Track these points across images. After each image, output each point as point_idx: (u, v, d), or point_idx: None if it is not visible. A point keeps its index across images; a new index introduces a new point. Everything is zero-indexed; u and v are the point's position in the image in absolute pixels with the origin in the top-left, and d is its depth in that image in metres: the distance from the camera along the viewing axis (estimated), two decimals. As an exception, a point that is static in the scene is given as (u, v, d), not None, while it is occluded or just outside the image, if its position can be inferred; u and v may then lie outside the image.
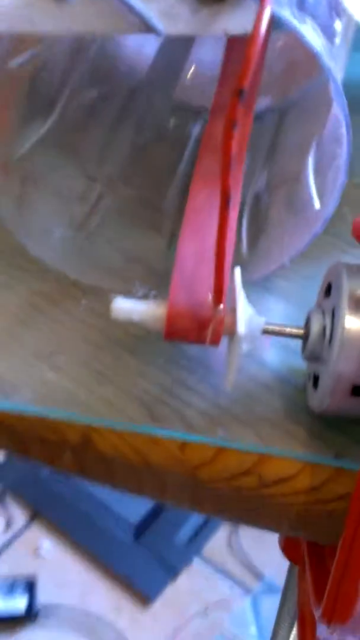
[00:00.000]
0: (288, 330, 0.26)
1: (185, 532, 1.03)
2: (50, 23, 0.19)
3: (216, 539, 1.02)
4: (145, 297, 0.27)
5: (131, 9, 0.19)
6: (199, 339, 0.26)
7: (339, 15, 0.28)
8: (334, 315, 0.25)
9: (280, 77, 0.39)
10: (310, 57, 0.39)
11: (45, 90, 0.32)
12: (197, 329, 0.25)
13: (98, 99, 0.36)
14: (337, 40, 0.28)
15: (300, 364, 0.28)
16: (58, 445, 0.28)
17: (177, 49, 0.43)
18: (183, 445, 0.27)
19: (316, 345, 0.26)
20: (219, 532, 1.02)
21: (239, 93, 0.21)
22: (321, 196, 0.29)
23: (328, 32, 0.27)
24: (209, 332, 0.25)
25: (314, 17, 0.26)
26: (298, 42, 0.40)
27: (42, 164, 0.32)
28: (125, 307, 0.26)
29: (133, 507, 1.03)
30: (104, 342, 0.29)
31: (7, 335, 0.29)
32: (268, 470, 0.26)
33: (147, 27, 0.20)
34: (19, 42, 0.27)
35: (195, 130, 0.40)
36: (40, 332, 0.29)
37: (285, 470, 0.26)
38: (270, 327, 0.26)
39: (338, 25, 0.28)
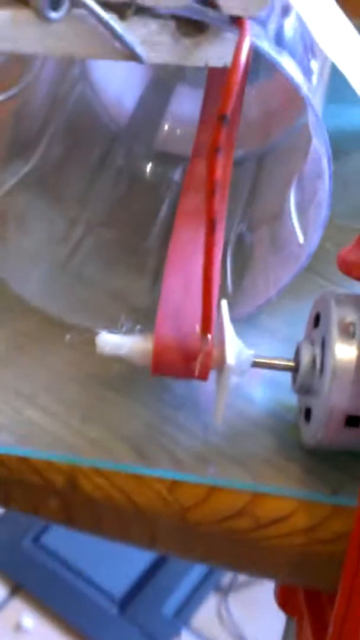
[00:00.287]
0: (277, 362, 0.26)
1: (172, 602, 0.99)
2: (33, 43, 0.19)
3: (205, 609, 0.98)
4: (130, 332, 0.26)
5: (114, 34, 0.19)
6: (187, 373, 0.25)
7: (314, 55, 0.29)
8: (323, 345, 0.25)
9: (257, 127, 0.39)
10: (286, 105, 0.40)
11: (26, 132, 0.32)
12: (185, 361, 0.25)
13: (78, 146, 0.36)
14: (314, 79, 0.29)
15: (290, 399, 0.27)
16: (43, 490, 0.27)
17: (155, 102, 0.44)
18: (172, 486, 0.26)
19: (307, 376, 0.25)
20: (208, 602, 0.98)
21: (222, 118, 0.21)
22: (305, 231, 0.29)
23: (305, 71, 0.27)
24: (197, 365, 0.24)
25: (291, 54, 0.26)
26: (273, 89, 0.41)
27: (23, 203, 0.31)
28: (110, 341, 0.25)
29: (118, 579, 0.99)
30: (89, 381, 0.28)
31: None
32: (262, 509, 0.25)
33: (130, 54, 0.20)
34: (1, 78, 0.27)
35: (176, 175, 0.40)
36: (23, 372, 0.28)
37: (280, 509, 0.25)
38: (260, 360, 0.26)
39: (314, 65, 0.29)
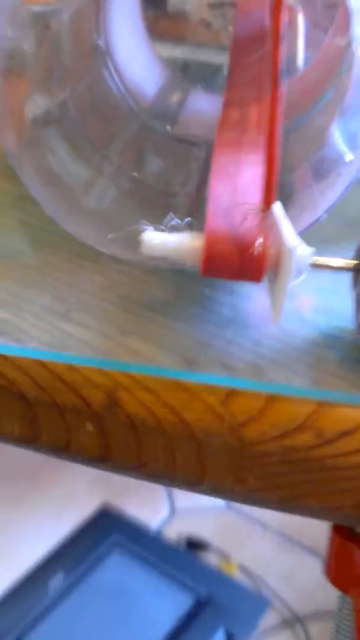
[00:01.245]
0: (338, 262, 0.24)
1: None
2: None
3: None
4: (177, 229, 0.24)
5: None
6: (242, 268, 0.23)
7: None
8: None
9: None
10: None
11: (59, 64, 0.31)
12: (240, 253, 0.22)
13: (100, 105, 0.35)
14: None
15: (346, 323, 0.25)
16: (78, 412, 0.24)
17: (172, 98, 0.44)
18: (226, 399, 0.23)
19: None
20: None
21: None
22: (352, 147, 0.27)
23: None
24: (254, 253, 0.22)
25: None
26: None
27: (52, 140, 0.30)
28: (157, 240, 0.23)
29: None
30: (125, 302, 0.26)
31: (16, 296, 0.26)
32: (327, 422, 0.22)
33: None
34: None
35: (198, 154, 0.39)
36: (54, 294, 0.26)
37: (346, 421, 0.22)
38: (319, 259, 0.24)
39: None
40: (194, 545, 1.08)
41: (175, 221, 0.23)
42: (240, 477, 0.24)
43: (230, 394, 0.23)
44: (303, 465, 0.23)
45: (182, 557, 1.05)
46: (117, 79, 0.38)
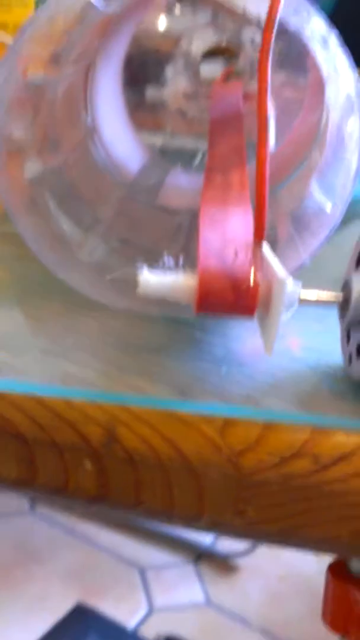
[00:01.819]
0: (325, 296, 0.25)
1: None
2: None
3: None
4: (172, 269, 0.25)
5: None
6: (235, 304, 0.24)
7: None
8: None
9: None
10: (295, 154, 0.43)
11: (52, 133, 0.33)
12: (233, 290, 0.23)
13: (89, 172, 0.37)
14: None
15: (333, 359, 0.26)
16: (77, 450, 0.24)
17: (154, 175, 0.46)
18: (223, 428, 0.23)
19: (359, 307, 0.24)
20: None
21: (270, 29, 0.22)
22: (331, 199, 0.29)
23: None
24: (247, 289, 0.23)
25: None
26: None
27: (46, 198, 0.31)
28: (153, 280, 0.24)
29: None
30: (120, 344, 0.27)
31: (13, 339, 0.26)
32: (322, 448, 0.23)
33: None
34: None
35: (183, 221, 0.41)
36: (50, 338, 0.27)
37: (342, 446, 0.23)
38: (307, 294, 0.25)
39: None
40: (174, 644, 1.04)
41: (170, 262, 0.24)
42: (240, 509, 0.24)
43: (227, 424, 0.23)
44: (302, 493, 0.23)
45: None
46: (103, 155, 0.40)
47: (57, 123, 0.34)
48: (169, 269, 0.24)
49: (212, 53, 0.55)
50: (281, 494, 0.23)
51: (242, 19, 0.26)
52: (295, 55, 0.38)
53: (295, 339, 0.27)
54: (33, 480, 0.25)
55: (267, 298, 0.24)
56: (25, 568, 1.18)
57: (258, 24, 0.25)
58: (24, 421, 0.24)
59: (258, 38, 0.52)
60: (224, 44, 0.54)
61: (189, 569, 1.21)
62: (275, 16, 0.21)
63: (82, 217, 0.35)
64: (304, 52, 0.41)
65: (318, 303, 0.25)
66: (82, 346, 0.26)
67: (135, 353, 0.26)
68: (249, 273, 0.23)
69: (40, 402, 0.24)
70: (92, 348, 0.26)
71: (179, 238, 0.38)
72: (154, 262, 0.33)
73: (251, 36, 0.52)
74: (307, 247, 0.29)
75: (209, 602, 1.15)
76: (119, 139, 0.43)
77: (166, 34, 0.53)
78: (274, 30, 0.22)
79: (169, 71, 0.54)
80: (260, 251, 0.24)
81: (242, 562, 1.22)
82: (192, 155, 0.50)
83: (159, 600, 1.15)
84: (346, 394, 0.24)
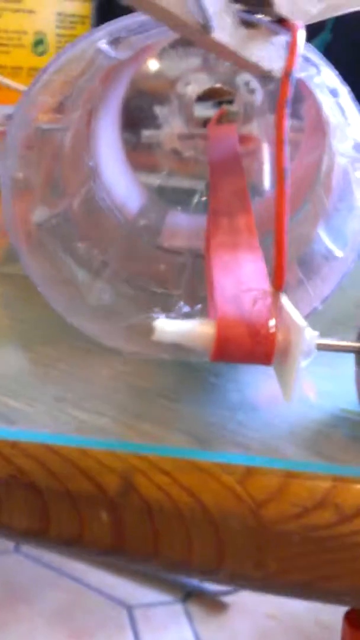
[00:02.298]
0: (342, 344, 0.25)
1: None
2: None
3: None
4: (188, 316, 0.25)
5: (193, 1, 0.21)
6: (253, 352, 0.24)
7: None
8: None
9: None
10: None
11: (60, 177, 0.33)
12: (251, 338, 0.23)
13: (93, 214, 0.37)
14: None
15: (351, 405, 0.26)
16: (92, 500, 0.23)
17: (153, 215, 0.46)
18: (243, 478, 0.23)
19: (376, 354, 0.24)
20: None
21: (288, 74, 0.22)
22: (341, 244, 0.29)
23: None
24: (265, 336, 0.23)
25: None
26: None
27: (51, 244, 0.31)
28: (169, 327, 0.24)
29: None
30: (134, 390, 0.26)
31: (25, 387, 0.26)
32: (345, 498, 0.23)
33: (202, 20, 0.22)
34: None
35: (186, 261, 0.41)
36: (62, 385, 0.26)
37: (364, 496, 0.23)
38: (324, 342, 0.25)
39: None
40: None
41: (186, 309, 0.24)
42: (260, 561, 0.23)
43: (247, 473, 0.23)
44: (324, 545, 0.23)
45: None
46: (105, 196, 0.40)
47: (63, 168, 0.34)
48: (184, 315, 0.24)
49: (206, 96, 0.56)
50: (303, 545, 0.23)
51: (254, 73, 0.26)
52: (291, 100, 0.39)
53: (309, 384, 0.27)
54: (46, 532, 0.24)
55: (285, 346, 0.24)
56: (10, 608, 1.15)
57: (270, 77, 0.25)
58: (37, 470, 0.24)
59: (253, 82, 0.53)
60: (218, 87, 0.55)
61: (177, 608, 1.19)
62: (291, 72, 0.22)
63: (88, 260, 0.35)
64: (299, 97, 0.41)
65: (335, 350, 0.25)
66: (93, 393, 0.26)
67: (148, 399, 0.26)
68: (268, 321, 0.23)
69: (54, 450, 0.24)
70: (104, 395, 0.26)
71: (184, 278, 0.38)
72: (162, 304, 0.33)
73: (245, 80, 0.53)
74: (318, 293, 0.29)
75: (198, 641, 1.13)
76: (118, 179, 0.44)
77: (162, 78, 0.54)
78: (292, 85, 0.22)
79: (165, 113, 0.55)
80: (279, 300, 0.24)
81: (230, 599, 1.20)
82: (188, 194, 0.51)
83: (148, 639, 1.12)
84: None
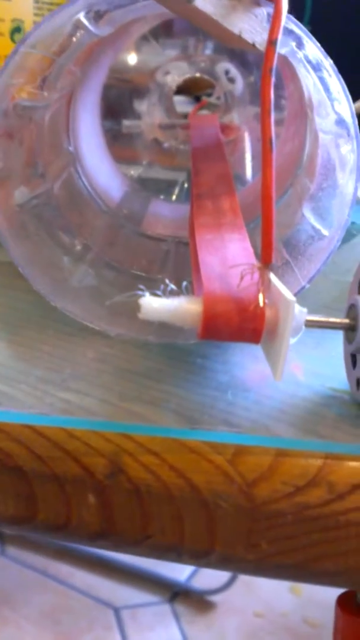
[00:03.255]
0: (331, 320, 0.24)
1: None
2: None
3: None
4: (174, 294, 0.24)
5: None
6: (241, 326, 0.23)
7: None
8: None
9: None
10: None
11: (37, 159, 0.32)
12: (239, 312, 0.23)
13: (74, 199, 0.37)
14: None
15: (339, 384, 0.26)
16: (79, 485, 0.23)
17: (136, 203, 0.46)
18: (233, 457, 0.22)
19: (366, 330, 0.24)
20: None
21: (272, 43, 0.22)
22: (328, 223, 0.29)
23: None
24: (253, 312, 0.22)
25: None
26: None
27: (35, 227, 0.31)
28: (156, 304, 0.23)
29: None
30: (121, 372, 0.26)
31: (9, 369, 0.25)
32: (337, 476, 0.22)
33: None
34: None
35: (169, 247, 0.41)
36: (47, 367, 0.26)
37: (357, 473, 0.22)
38: (313, 318, 0.24)
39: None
40: None
41: (171, 287, 0.24)
42: (252, 542, 0.23)
43: (238, 452, 0.22)
44: (317, 524, 0.22)
45: None
46: (86, 182, 0.40)
47: (43, 149, 0.34)
48: (170, 292, 0.24)
49: (186, 86, 0.55)
50: (296, 525, 0.22)
51: (237, 45, 0.26)
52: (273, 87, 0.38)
53: (297, 363, 0.27)
54: (33, 517, 0.24)
55: (273, 323, 0.24)
56: (-5, 612, 1.13)
57: (253, 49, 0.25)
58: (22, 453, 0.23)
59: (233, 71, 0.52)
60: (198, 76, 0.55)
61: (164, 608, 1.18)
62: (276, 40, 0.21)
63: (71, 244, 0.34)
64: (280, 85, 0.41)
65: (323, 327, 0.25)
66: (80, 374, 0.25)
67: (135, 380, 0.25)
68: (256, 296, 0.23)
69: (39, 432, 0.23)
70: (90, 376, 0.25)
71: (168, 265, 0.38)
72: (146, 286, 0.32)
73: (225, 68, 0.53)
74: (305, 273, 0.28)
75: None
76: (99, 167, 0.43)
77: (141, 67, 0.53)
78: (276, 51, 0.22)
79: (145, 103, 0.55)
80: (267, 275, 0.23)
81: (218, 599, 1.19)
82: (170, 184, 0.50)
83: (135, 641, 1.11)
84: (355, 419, 0.24)
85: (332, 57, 0.29)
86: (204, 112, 0.53)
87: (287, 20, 0.25)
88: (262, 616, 1.16)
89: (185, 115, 0.55)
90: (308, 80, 0.30)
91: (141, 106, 0.55)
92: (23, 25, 0.49)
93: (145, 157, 0.52)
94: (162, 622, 1.14)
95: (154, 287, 0.33)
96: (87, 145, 0.41)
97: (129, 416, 0.23)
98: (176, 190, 0.50)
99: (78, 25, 0.26)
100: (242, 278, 0.23)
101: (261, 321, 0.23)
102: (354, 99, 0.30)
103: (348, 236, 0.43)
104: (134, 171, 0.50)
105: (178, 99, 0.54)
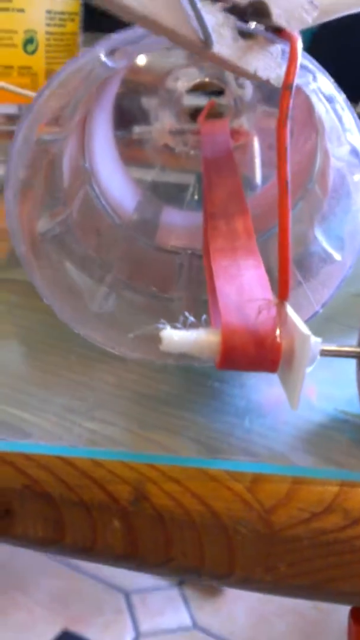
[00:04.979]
0: (345, 349, 0.25)
1: None
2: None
3: None
4: (193, 326, 0.25)
5: (195, 11, 0.21)
6: (258, 359, 0.24)
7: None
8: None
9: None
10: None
11: (58, 189, 0.33)
12: (256, 346, 0.24)
13: (91, 219, 0.37)
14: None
15: (351, 408, 0.27)
16: (105, 509, 0.24)
17: (149, 213, 0.47)
18: (252, 485, 0.23)
19: (378, 358, 0.25)
20: None
21: (288, 87, 0.23)
22: (339, 247, 0.30)
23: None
24: (271, 345, 0.23)
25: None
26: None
27: (55, 254, 0.32)
28: (176, 336, 0.24)
29: None
30: (140, 398, 0.27)
31: (35, 398, 0.26)
32: (353, 502, 0.23)
33: (203, 36, 0.22)
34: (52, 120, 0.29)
35: (181, 261, 0.41)
36: (71, 395, 0.27)
37: (370, 499, 0.23)
38: (327, 348, 0.25)
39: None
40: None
41: (191, 319, 0.25)
42: (271, 565, 0.24)
43: (256, 480, 0.23)
44: (333, 548, 0.23)
45: None
46: (101, 197, 0.41)
47: (62, 177, 0.34)
48: (190, 325, 0.25)
49: (196, 90, 0.56)
50: (312, 549, 0.23)
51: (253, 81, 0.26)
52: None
53: (311, 387, 0.28)
54: (61, 540, 0.25)
55: (290, 354, 0.25)
56: (7, 596, 1.16)
57: (268, 84, 0.25)
58: (51, 480, 0.24)
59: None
60: (207, 81, 0.55)
61: (174, 593, 1.20)
62: (291, 84, 0.22)
63: (90, 266, 0.35)
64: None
65: (337, 356, 0.26)
66: (103, 402, 0.26)
67: (155, 407, 0.26)
68: (274, 330, 0.24)
69: (67, 461, 0.24)
70: (111, 403, 0.26)
71: (183, 279, 0.39)
72: (165, 309, 0.33)
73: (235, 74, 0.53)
74: (318, 297, 0.29)
75: (195, 625, 1.14)
76: (113, 178, 0.44)
77: (151, 73, 0.54)
78: (292, 96, 0.22)
79: (155, 109, 0.55)
80: (283, 308, 0.24)
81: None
82: (181, 189, 0.51)
83: (146, 625, 1.14)
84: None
85: (335, 65, 0.30)
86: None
87: (302, 55, 0.26)
88: (271, 601, 1.18)
89: (194, 115, 0.56)
90: (319, 106, 0.31)
91: (151, 112, 0.55)
92: (35, 36, 0.50)
93: (157, 162, 0.53)
94: (171, 606, 1.17)
95: (172, 309, 0.34)
96: (101, 158, 0.42)
97: (151, 445, 0.24)
98: (187, 197, 0.50)
99: (98, 63, 0.27)
100: (259, 312, 0.24)
101: (278, 353, 0.24)
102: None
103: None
104: (146, 176, 0.51)
105: (188, 96, 0.55)
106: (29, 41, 0.49)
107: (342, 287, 0.30)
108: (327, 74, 0.27)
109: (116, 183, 0.44)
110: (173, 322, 0.32)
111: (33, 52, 0.50)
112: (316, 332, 0.27)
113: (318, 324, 0.29)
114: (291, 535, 0.23)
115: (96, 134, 0.41)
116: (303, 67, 0.27)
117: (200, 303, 0.33)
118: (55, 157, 0.32)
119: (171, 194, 0.50)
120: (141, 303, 0.33)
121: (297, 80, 0.27)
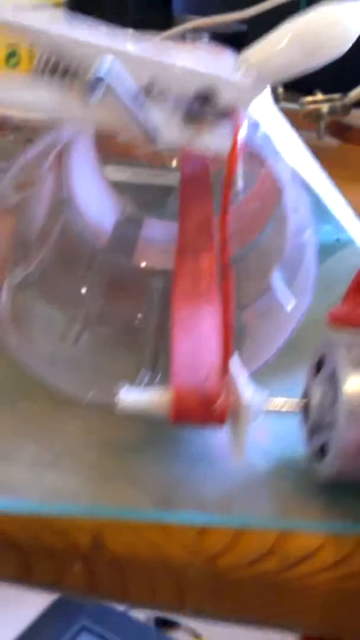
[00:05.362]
0: (289, 403, 0.28)
1: None
2: (77, 116, 0.23)
3: None
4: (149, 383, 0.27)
5: (136, 119, 0.23)
6: (206, 417, 0.26)
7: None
8: (332, 380, 0.27)
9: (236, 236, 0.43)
10: (257, 217, 0.44)
11: (27, 239, 0.35)
12: (204, 406, 0.26)
13: (68, 254, 0.39)
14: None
15: (298, 449, 0.29)
16: (67, 554, 0.26)
17: (128, 230, 0.48)
18: (200, 533, 0.26)
19: (319, 412, 0.27)
20: None
21: (228, 184, 0.24)
22: (294, 296, 0.31)
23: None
24: (218, 404, 0.26)
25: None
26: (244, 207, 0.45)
27: (24, 303, 0.33)
28: (131, 398, 0.27)
29: None
30: (106, 447, 0.29)
31: (3, 447, 0.29)
32: (289, 547, 0.26)
33: (148, 135, 0.24)
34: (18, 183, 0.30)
35: (157, 283, 0.43)
36: (40, 442, 0.29)
37: (307, 545, 0.26)
38: (272, 403, 0.27)
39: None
40: (164, 623, 1.06)
41: (147, 377, 0.27)
42: (217, 603, 0.27)
43: (203, 531, 0.26)
44: (272, 589, 0.26)
45: (152, 636, 1.04)
46: (79, 223, 0.42)
47: (37, 217, 0.36)
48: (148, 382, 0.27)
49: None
50: (254, 588, 0.26)
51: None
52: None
53: (260, 430, 0.29)
54: (29, 579, 0.28)
55: (235, 410, 0.27)
56: None
57: (219, 156, 0.27)
58: (17, 531, 0.27)
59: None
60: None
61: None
62: (232, 179, 0.24)
63: (64, 305, 0.36)
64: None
65: (281, 411, 0.28)
66: (68, 450, 0.29)
67: (117, 455, 0.29)
68: (219, 393, 0.26)
69: (33, 514, 0.27)
70: (77, 452, 0.29)
71: (154, 305, 0.40)
72: (133, 346, 0.35)
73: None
74: (275, 342, 0.31)
75: None
76: (91, 202, 0.45)
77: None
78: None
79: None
80: (230, 372, 0.26)
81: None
82: (166, 192, 0.52)
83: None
84: (308, 491, 0.27)
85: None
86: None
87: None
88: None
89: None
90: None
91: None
92: (18, 50, 0.50)
93: (141, 159, 0.54)
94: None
95: (139, 341, 0.35)
96: (79, 181, 0.43)
97: (110, 496, 0.27)
98: (168, 203, 0.51)
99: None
100: (207, 375, 0.26)
101: (224, 414, 0.26)
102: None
103: (333, 249, 0.45)
104: (132, 178, 0.52)
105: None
106: (12, 55, 0.50)
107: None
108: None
109: (94, 205, 0.45)
110: (140, 356, 0.34)
111: (15, 65, 0.51)
112: (274, 364, 0.30)
113: (280, 354, 0.31)
114: (236, 577, 0.26)
115: (75, 161, 0.42)
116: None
117: (167, 332, 0.35)
118: (29, 213, 0.34)
119: (156, 199, 0.51)
120: (111, 337, 0.35)
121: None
